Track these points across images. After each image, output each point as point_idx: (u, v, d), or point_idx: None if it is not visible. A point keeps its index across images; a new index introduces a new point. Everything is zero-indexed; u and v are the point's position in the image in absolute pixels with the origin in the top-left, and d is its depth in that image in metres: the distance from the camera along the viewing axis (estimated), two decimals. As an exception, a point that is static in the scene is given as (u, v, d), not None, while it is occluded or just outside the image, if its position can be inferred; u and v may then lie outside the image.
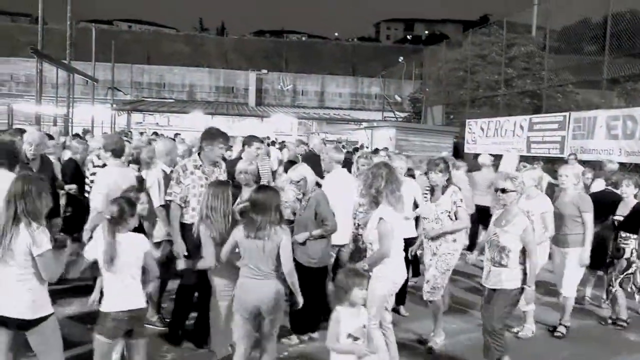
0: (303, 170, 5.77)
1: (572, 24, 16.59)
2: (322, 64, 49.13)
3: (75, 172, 7.55)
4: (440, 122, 24.37)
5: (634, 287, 6.72)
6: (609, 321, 6.80)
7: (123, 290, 3.97)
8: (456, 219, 5.57)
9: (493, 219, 5.13)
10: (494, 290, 4.88)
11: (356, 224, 6.42)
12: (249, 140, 7.26)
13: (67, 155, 8.26)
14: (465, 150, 19.92)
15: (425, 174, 6.40)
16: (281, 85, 44.23)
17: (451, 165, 6.88)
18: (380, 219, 4.59)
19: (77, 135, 14.29)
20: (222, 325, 4.77)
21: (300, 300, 4.46)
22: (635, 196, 6.90)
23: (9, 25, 51.44)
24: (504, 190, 4.90)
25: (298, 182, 5.67)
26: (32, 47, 14.82)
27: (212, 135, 5.68)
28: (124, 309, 3.93)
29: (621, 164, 12.00)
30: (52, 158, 7.33)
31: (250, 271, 4.30)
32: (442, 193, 5.63)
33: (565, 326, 6.37)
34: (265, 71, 43.93)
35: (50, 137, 9.10)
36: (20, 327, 3.68)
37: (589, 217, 6.22)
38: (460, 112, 23.29)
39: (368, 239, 4.78)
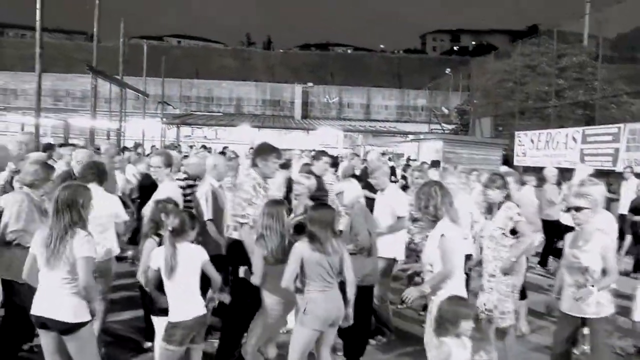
0: (345, 184, 5.76)
1: (626, 32, 16.14)
2: (368, 77, 49.10)
3: (151, 187, 7.65)
4: (488, 134, 24.01)
5: None
6: None
7: (187, 298, 4.15)
8: (511, 234, 5.20)
9: (568, 242, 4.82)
10: (584, 319, 4.58)
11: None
12: (318, 154, 7.41)
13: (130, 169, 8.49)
14: (515, 163, 19.55)
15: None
16: (327, 98, 44.40)
17: (514, 180, 6.72)
18: (442, 235, 4.31)
19: (125, 148, 14.72)
20: (259, 342, 4.80)
21: (351, 313, 4.47)
22: None
23: (66, 43, 53.32)
24: (578, 209, 4.64)
25: (338, 194, 5.61)
26: (87, 64, 15.38)
27: (265, 150, 5.66)
28: (191, 317, 4.12)
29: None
30: (117, 172, 7.62)
31: (322, 284, 4.31)
32: (498, 209, 5.29)
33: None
34: (311, 84, 44.19)
35: (97, 150, 9.41)
36: (61, 330, 3.79)
37: None
38: (509, 124, 22.91)
39: (428, 260, 4.43)
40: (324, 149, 8.17)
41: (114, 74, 19.01)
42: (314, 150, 20.50)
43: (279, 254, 4.54)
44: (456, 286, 4.32)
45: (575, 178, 10.20)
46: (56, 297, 3.76)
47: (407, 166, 14.59)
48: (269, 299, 4.69)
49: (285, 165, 8.28)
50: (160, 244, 4.42)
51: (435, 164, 10.51)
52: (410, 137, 26.77)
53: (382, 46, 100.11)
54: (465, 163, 17.57)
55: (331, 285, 4.35)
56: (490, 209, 5.42)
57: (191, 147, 22.26)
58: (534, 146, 19.01)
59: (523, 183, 10.18)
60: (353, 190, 5.67)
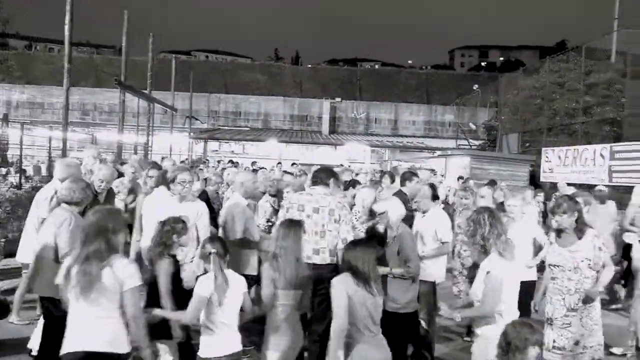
0: (389, 203, 5.43)
1: (655, 49, 15.98)
2: (396, 92, 49.06)
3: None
4: (515, 150, 23.84)
5: None
6: None
7: (227, 332, 3.96)
8: (603, 266, 4.90)
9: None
10: None
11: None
12: (409, 175, 7.30)
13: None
14: (542, 179, 19.37)
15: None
16: (355, 113, 44.47)
17: (583, 201, 6.44)
18: (488, 272, 4.07)
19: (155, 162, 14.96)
20: None
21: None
22: None
23: (94, 57, 54.38)
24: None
25: (381, 214, 5.27)
26: (116, 78, 15.65)
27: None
28: (228, 352, 3.94)
29: None
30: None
31: (368, 334, 3.88)
32: (579, 238, 4.91)
33: None
34: (339, 99, 44.31)
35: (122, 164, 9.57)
36: None
37: None
38: (537, 140, 22.72)
39: (476, 295, 4.22)
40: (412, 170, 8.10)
41: (142, 88, 19.32)
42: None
43: (292, 278, 4.33)
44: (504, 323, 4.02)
45: (634, 198, 9.95)
46: (96, 329, 3.53)
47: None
48: (272, 330, 4.36)
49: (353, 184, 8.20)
50: (173, 265, 4.35)
51: (492, 183, 10.07)
52: (438, 152, 26.69)
53: (410, 61, 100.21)
54: (494, 179, 17.50)
55: (376, 334, 3.95)
56: (559, 235, 5.06)
57: (219, 162, 22.51)
58: (562, 162, 18.83)
59: (586, 204, 10.06)
60: (397, 210, 5.33)
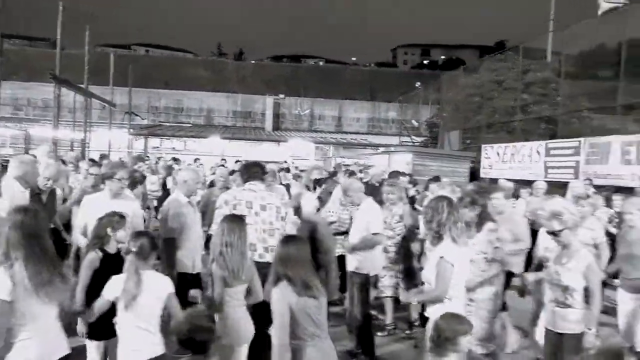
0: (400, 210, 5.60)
1: (587, 50, 16.56)
2: (340, 89, 49.31)
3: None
4: (457, 147, 24.29)
5: None
6: None
7: (141, 336, 3.78)
8: (493, 260, 5.14)
9: (553, 256, 4.77)
10: (561, 334, 4.54)
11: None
12: (395, 174, 7.82)
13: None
14: (482, 175, 19.82)
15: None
16: (298, 109, 44.43)
17: (504, 195, 6.63)
18: (441, 257, 4.22)
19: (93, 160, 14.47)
20: None
21: None
22: None
23: (27, 49, 52.33)
24: (554, 233, 4.58)
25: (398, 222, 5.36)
26: (50, 72, 15.02)
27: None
28: (145, 357, 3.77)
29: (631, 189, 11.85)
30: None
31: (313, 338, 3.78)
32: (478, 232, 5.17)
33: None
34: (282, 96, 44.16)
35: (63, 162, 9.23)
36: None
37: None
38: (477, 138, 23.21)
39: (427, 279, 4.38)
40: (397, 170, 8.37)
41: (78, 82, 18.67)
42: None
43: (240, 274, 4.26)
44: (456, 308, 4.16)
45: (568, 194, 10.25)
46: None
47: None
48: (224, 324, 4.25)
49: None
50: (103, 259, 4.16)
51: (436, 179, 10.37)
52: (381, 149, 26.93)
53: (353, 59, 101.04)
54: (434, 175, 17.74)
55: (324, 334, 3.87)
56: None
57: (159, 159, 22.05)
58: (500, 159, 19.31)
59: (517, 196, 10.29)
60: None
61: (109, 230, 4.28)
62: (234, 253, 4.26)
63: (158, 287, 3.89)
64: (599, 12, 15.74)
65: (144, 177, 6.49)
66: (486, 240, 5.13)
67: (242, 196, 5.42)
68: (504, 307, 6.49)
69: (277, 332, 3.74)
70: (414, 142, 32.16)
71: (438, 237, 4.33)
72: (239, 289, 4.28)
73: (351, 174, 10.27)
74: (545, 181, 15.27)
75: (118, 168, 5.61)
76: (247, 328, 4.36)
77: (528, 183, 13.44)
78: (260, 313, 4.44)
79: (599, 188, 11.71)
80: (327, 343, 3.90)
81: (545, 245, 5.53)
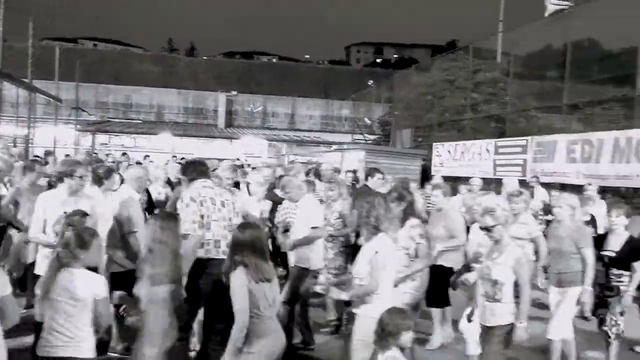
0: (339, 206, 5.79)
1: (535, 51, 16.96)
2: (293, 86, 49.25)
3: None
4: (408, 145, 24.56)
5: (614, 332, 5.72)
6: None
7: (54, 337, 3.63)
8: (416, 257, 5.22)
9: (485, 252, 4.83)
10: (490, 327, 4.59)
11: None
12: (370, 171, 8.04)
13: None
14: (433, 173, 20.06)
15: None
16: (251, 107, 44.13)
17: (442, 192, 6.73)
18: (376, 252, 4.24)
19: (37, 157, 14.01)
20: None
21: None
22: (626, 227, 6.00)
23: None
24: (487, 229, 4.65)
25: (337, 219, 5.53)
26: (-8, 65, 14.54)
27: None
28: (62, 355, 3.61)
29: (578, 186, 12.20)
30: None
31: (266, 319, 3.99)
32: (402, 227, 5.25)
33: None
34: (235, 93, 43.79)
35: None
36: None
37: (589, 252, 5.63)
38: (428, 136, 23.51)
39: (358, 274, 4.36)
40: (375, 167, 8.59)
41: (22, 76, 18.07)
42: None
43: (171, 272, 4.19)
44: (384, 304, 4.22)
45: (503, 191, 10.47)
46: None
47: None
48: (154, 324, 4.18)
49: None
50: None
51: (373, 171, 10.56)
52: (334, 147, 27.01)
53: (307, 56, 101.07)
54: (386, 172, 17.88)
55: (274, 315, 4.08)
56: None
57: (107, 155, 21.60)
58: (451, 157, 19.62)
59: (455, 193, 10.43)
60: None
61: (71, 229, 4.16)
62: (164, 251, 4.17)
63: (83, 287, 3.68)
64: (546, 14, 16.10)
65: (110, 172, 6.39)
66: (408, 236, 5.22)
67: (205, 193, 5.35)
68: (446, 303, 6.65)
69: (238, 315, 3.86)
70: (366, 140, 32.37)
71: (374, 233, 4.36)
72: (166, 287, 4.16)
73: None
74: (494, 179, 15.70)
75: (77, 166, 5.59)
76: (169, 330, 4.25)
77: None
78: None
79: (546, 186, 12.03)
80: (276, 322, 4.10)
81: (478, 241, 5.64)
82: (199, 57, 64.92)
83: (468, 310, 5.16)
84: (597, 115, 16.41)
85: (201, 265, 5.07)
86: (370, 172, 8.09)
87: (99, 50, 66.11)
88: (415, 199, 5.78)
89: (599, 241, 6.05)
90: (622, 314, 5.69)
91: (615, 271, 5.77)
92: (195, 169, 5.58)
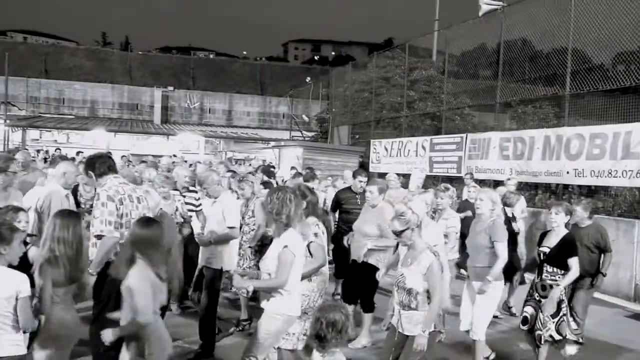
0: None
1: (469, 50, 17.33)
2: (230, 83, 48.78)
3: None
4: (346, 142, 24.73)
5: (559, 335, 5.59)
6: None
7: None
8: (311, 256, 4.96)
9: (401, 259, 4.75)
10: (407, 336, 4.50)
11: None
12: (360, 171, 8.00)
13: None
14: (370, 170, 20.26)
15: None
16: (188, 103, 43.45)
17: (378, 189, 6.69)
18: (285, 246, 4.20)
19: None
20: None
21: None
22: (566, 225, 5.98)
23: None
24: (396, 233, 4.56)
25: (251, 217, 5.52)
26: None
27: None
28: None
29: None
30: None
31: (157, 317, 4.09)
32: None
33: None
34: (171, 88, 43.04)
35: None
36: None
37: (502, 246, 5.61)
38: (366, 133, 23.71)
39: (267, 269, 4.32)
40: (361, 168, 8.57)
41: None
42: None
43: (74, 273, 4.02)
44: (292, 301, 4.28)
45: (411, 184, 10.75)
46: None
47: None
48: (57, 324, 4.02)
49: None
50: None
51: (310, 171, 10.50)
52: (272, 143, 26.91)
53: (244, 52, 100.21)
54: (324, 169, 17.99)
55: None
56: None
57: (38, 151, 20.81)
58: (388, 154, 19.86)
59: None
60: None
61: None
62: (67, 250, 4.00)
63: (3, 285, 3.55)
64: (480, 14, 16.52)
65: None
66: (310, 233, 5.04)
67: (123, 190, 5.04)
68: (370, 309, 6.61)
69: (141, 312, 3.84)
70: (304, 137, 32.41)
71: (284, 228, 4.32)
72: (69, 289, 4.05)
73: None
74: (431, 175, 15.99)
75: (11, 161, 5.49)
76: (75, 330, 4.16)
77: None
78: None
79: (480, 182, 12.32)
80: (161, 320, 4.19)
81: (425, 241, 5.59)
82: (133, 52, 63.17)
83: (385, 322, 5.03)
84: (529, 113, 16.96)
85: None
86: (359, 173, 7.98)
87: (30, 44, 63.33)
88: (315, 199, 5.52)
89: (514, 237, 6.15)
90: (554, 315, 5.58)
91: (548, 268, 5.74)
92: (104, 164, 5.15)
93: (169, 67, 51.37)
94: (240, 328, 6.89)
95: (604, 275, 6.54)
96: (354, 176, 7.93)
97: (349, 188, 8.14)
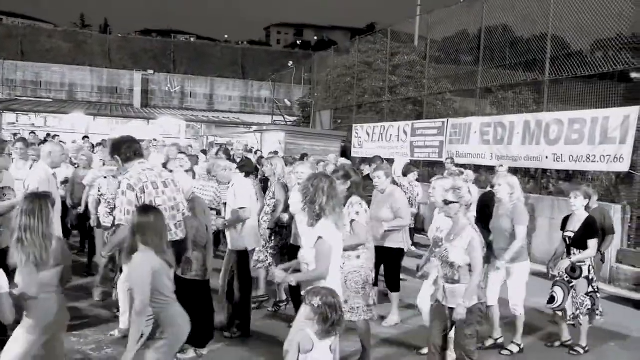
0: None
1: (450, 36, 17.41)
2: (212, 67, 48.27)
3: None
4: (328, 127, 24.77)
5: (589, 310, 6.28)
6: (567, 343, 6.52)
7: None
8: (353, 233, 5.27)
9: (444, 234, 5.05)
10: (451, 308, 4.75)
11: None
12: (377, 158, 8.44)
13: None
14: (352, 154, 20.35)
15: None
16: (169, 86, 43.01)
17: (384, 174, 6.93)
18: (320, 237, 4.24)
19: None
20: None
21: None
22: (587, 208, 6.51)
23: None
24: (446, 202, 4.81)
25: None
26: None
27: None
28: None
29: (491, 167, 12.77)
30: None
31: (171, 301, 4.08)
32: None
33: (518, 344, 6.26)
34: (151, 72, 42.55)
35: None
36: None
37: (521, 229, 6.04)
38: (348, 117, 23.76)
39: (304, 259, 4.38)
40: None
41: None
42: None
43: (45, 258, 3.89)
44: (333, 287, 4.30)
45: (396, 170, 10.90)
46: None
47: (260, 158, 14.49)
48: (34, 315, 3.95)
49: None
50: None
51: (303, 157, 10.59)
52: (254, 128, 26.84)
53: (226, 36, 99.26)
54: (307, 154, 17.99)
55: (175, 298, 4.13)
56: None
57: (15, 135, 20.55)
58: (370, 138, 19.94)
59: (405, 174, 10.69)
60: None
61: None
62: (35, 237, 3.87)
63: None
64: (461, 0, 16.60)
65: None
66: (346, 212, 5.25)
67: (146, 177, 4.95)
68: (396, 288, 7.07)
69: (139, 296, 3.85)
70: (286, 122, 32.36)
71: (317, 219, 4.35)
72: (47, 274, 3.94)
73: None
74: (412, 160, 16.11)
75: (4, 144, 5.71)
76: (63, 312, 4.12)
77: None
78: None
79: (461, 167, 12.45)
80: (178, 304, 4.13)
81: (437, 225, 5.86)
82: (113, 35, 62.20)
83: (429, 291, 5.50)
84: (509, 99, 17.13)
85: None
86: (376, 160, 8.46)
87: (5, 25, 61.95)
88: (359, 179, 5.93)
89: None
90: (588, 294, 6.20)
91: (575, 251, 6.25)
92: (131, 148, 5.07)
93: (149, 50, 50.68)
94: (276, 309, 7.27)
95: (602, 254, 7.26)
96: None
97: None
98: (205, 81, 44.09)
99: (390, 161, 13.90)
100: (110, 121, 33.26)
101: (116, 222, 4.83)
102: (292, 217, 6.79)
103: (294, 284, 4.41)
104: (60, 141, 16.12)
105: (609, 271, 9.73)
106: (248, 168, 7.45)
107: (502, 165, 11.04)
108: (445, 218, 5.25)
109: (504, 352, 6.22)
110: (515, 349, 6.23)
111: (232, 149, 14.62)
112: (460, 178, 7.42)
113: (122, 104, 40.18)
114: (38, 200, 4.02)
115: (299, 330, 3.48)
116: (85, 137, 19.48)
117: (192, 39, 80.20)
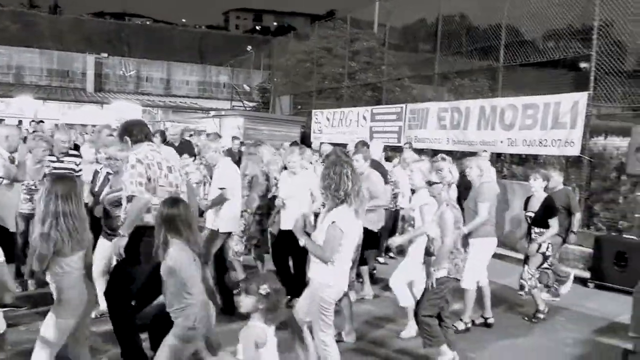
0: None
1: (409, 23, 17.65)
2: (168, 51, 47.51)
3: None
4: (288, 112, 24.77)
5: (543, 283, 6.87)
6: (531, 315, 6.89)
7: None
8: None
9: (416, 213, 5.63)
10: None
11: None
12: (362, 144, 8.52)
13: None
14: (312, 140, 20.43)
15: None
16: (123, 70, 42.14)
17: (362, 157, 7.13)
18: (333, 222, 4.23)
19: None
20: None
21: None
22: (545, 189, 7.02)
23: None
24: (429, 183, 5.14)
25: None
26: None
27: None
28: None
29: (448, 152, 13.05)
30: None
31: (199, 295, 3.99)
32: None
33: (465, 322, 6.36)
34: (105, 55, 41.57)
35: None
36: None
37: (482, 206, 6.27)
38: (307, 103, 23.81)
39: (316, 239, 4.39)
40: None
41: None
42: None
43: (81, 241, 3.88)
44: (341, 273, 4.38)
45: (374, 154, 11.01)
46: None
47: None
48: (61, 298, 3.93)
49: None
50: None
51: (257, 144, 10.61)
52: (212, 113, 26.63)
53: (183, 20, 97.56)
54: (265, 139, 17.99)
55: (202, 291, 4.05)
56: None
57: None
58: (330, 124, 20.07)
59: (388, 159, 10.90)
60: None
61: None
62: (73, 219, 3.80)
63: None
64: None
65: None
66: None
67: (153, 156, 4.92)
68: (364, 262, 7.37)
69: (193, 290, 3.89)
70: (245, 107, 32.19)
71: (338, 204, 4.34)
72: (76, 256, 3.91)
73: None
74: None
75: None
76: (90, 295, 4.08)
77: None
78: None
79: (419, 151, 12.70)
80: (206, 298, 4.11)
81: (411, 205, 6.22)
82: (64, 16, 60.45)
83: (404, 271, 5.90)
84: (465, 86, 17.48)
85: (144, 232, 4.64)
86: (360, 145, 8.60)
87: (-52, 4, 59.68)
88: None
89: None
90: (541, 268, 6.69)
91: (536, 229, 6.77)
92: (141, 131, 5.06)
93: (103, 33, 49.57)
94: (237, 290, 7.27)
95: (575, 234, 7.63)
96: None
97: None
98: (162, 65, 43.34)
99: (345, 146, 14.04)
100: (62, 105, 32.45)
101: (129, 194, 4.69)
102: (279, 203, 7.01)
103: (302, 243, 4.38)
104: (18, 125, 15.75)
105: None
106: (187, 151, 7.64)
107: (485, 151, 11.32)
108: (419, 198, 5.67)
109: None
110: (461, 326, 6.29)
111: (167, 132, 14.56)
112: (484, 158, 8.17)
113: (74, 88, 39.15)
114: (70, 182, 3.98)
115: (250, 326, 3.38)
116: (41, 121, 18.95)
117: (147, 22, 78.65)
